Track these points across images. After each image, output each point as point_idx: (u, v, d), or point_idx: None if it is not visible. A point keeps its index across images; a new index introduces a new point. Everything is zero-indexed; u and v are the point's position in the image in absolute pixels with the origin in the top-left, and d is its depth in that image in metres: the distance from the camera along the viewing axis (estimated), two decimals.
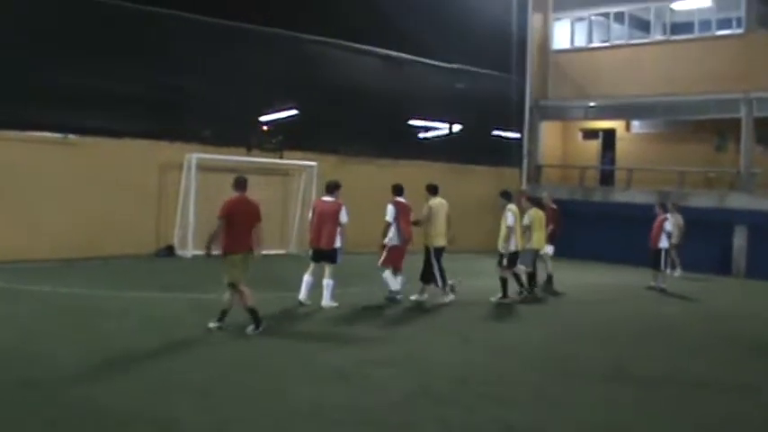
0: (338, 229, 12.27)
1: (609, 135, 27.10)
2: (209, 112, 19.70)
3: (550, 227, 16.28)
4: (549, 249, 16.47)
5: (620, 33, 26.50)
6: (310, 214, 12.84)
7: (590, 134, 27.68)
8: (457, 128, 25.86)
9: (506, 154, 26.46)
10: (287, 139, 20.90)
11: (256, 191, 18.90)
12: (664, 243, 16.94)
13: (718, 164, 23.95)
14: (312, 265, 12.45)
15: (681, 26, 25.31)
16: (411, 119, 24.66)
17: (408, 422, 6.95)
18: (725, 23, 24.48)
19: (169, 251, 18.43)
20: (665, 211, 17.41)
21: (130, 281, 14.35)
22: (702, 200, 22.39)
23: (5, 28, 16.26)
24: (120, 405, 6.98)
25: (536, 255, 15.26)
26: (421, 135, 25.33)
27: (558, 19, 27.80)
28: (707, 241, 21.08)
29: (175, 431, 6.48)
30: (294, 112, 21.30)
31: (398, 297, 13.23)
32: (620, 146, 26.76)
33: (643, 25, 26.27)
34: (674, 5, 25.16)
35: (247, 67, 19.86)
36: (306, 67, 21.03)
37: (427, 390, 7.96)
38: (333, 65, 21.88)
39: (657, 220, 17.08)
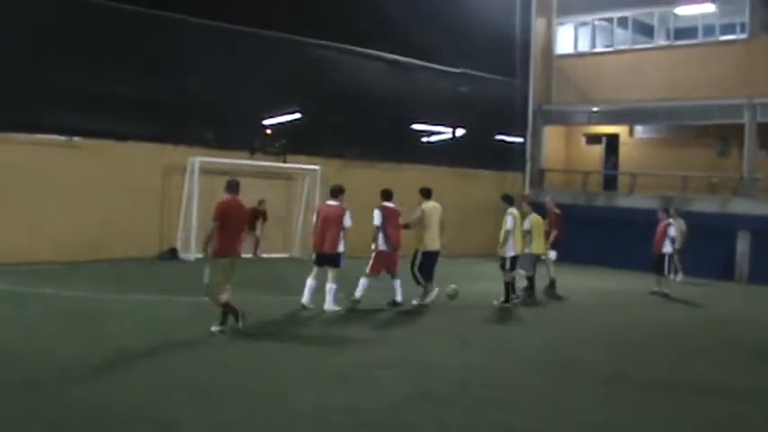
0: (341, 234, 12.26)
1: (612, 140, 27.11)
2: (212, 115, 19.78)
3: (554, 232, 16.29)
4: (553, 254, 16.47)
5: (623, 38, 26.56)
6: (314, 218, 12.81)
7: (593, 139, 27.71)
8: (460, 132, 25.89)
9: (509, 158, 26.48)
10: (290, 142, 20.97)
11: (260, 194, 19.23)
12: (667, 248, 16.91)
13: (722, 169, 23.94)
14: (315, 269, 12.44)
15: (684, 31, 25.34)
16: (414, 123, 24.69)
17: (408, 424, 6.96)
18: (728, 29, 24.49)
19: (172, 254, 18.49)
20: (668, 215, 17.39)
21: (133, 283, 14.40)
22: (705, 205, 22.38)
23: (12, 31, 16.37)
24: (120, 406, 7.00)
25: (536, 259, 15.24)
26: (424, 139, 25.37)
27: (562, 24, 27.87)
28: (710, 246, 21.08)
29: None
30: (298, 115, 21.34)
31: (358, 306, 12.73)
32: (624, 151, 26.76)
33: (647, 30, 26.29)
34: (677, 11, 25.17)
35: (251, 71, 19.93)
36: (309, 71, 21.08)
37: (427, 392, 7.97)
38: (336, 69, 21.92)
39: (660, 225, 17.05)
